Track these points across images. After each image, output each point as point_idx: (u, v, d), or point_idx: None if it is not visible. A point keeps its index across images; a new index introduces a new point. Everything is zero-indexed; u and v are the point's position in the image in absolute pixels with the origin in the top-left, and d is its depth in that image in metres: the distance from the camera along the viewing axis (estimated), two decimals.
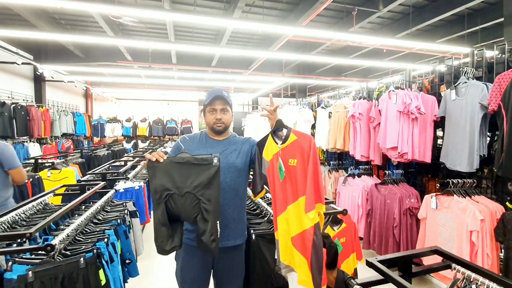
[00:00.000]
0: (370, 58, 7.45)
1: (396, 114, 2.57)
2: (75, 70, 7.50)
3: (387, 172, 2.82)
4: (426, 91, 2.86)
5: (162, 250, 1.31)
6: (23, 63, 5.63)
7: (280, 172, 1.44)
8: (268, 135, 1.55)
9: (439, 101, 2.59)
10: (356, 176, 3.22)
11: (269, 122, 1.56)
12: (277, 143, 1.49)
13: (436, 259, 1.22)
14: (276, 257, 1.51)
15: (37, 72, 6.68)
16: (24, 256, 1.38)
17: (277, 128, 1.54)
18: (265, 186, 1.56)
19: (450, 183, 2.18)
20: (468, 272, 1.07)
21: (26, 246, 1.63)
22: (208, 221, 1.30)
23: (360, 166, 3.36)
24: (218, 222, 1.33)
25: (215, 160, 1.33)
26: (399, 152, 2.55)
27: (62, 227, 1.79)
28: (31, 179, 3.84)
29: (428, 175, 2.91)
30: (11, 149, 2.35)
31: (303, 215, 1.38)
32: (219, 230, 1.33)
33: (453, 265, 1.13)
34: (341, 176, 3.66)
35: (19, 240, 1.53)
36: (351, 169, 3.66)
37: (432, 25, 6.05)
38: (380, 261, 0.99)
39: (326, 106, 4.13)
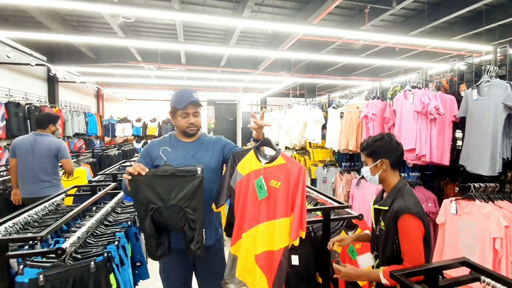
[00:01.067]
0: (381, 57, 7.30)
1: (413, 115, 2.47)
2: (86, 71, 7.61)
3: (402, 174, 2.72)
4: (443, 91, 2.75)
5: (154, 256, 1.38)
6: (37, 65, 5.73)
7: (261, 190, 1.43)
8: (250, 149, 1.53)
9: (458, 101, 2.49)
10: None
11: (253, 133, 1.54)
12: (260, 161, 1.48)
13: (459, 269, 1.15)
14: (226, 271, 1.51)
15: (50, 73, 6.80)
16: (35, 259, 1.37)
17: (262, 145, 1.53)
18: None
19: (472, 187, 2.07)
20: (499, 286, 1.00)
21: (38, 248, 1.63)
22: (195, 230, 1.35)
23: None
24: (203, 230, 1.37)
25: (199, 171, 1.34)
26: (417, 154, 2.45)
27: (73, 228, 1.78)
28: None
29: (446, 178, 2.79)
30: (65, 144, 3.05)
31: (276, 236, 1.40)
32: (204, 237, 1.38)
33: (482, 277, 1.05)
34: (353, 178, 3.57)
35: (30, 242, 1.54)
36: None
37: (448, 22, 5.85)
38: (406, 274, 0.93)
39: (337, 106, 4.04)
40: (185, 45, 5.68)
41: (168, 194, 1.32)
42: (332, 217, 1.77)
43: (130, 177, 1.32)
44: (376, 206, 1.47)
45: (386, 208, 1.38)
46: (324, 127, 4.49)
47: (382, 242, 1.39)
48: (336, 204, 1.84)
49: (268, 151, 1.56)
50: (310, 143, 4.84)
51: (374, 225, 1.50)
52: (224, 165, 1.68)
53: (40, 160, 2.83)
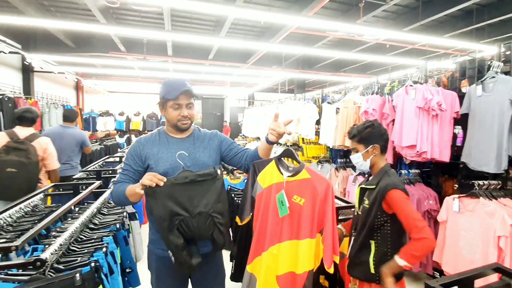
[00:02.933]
0: (372, 53, 7.31)
1: (415, 111, 2.41)
2: (65, 61, 7.14)
3: (402, 171, 2.68)
4: (443, 87, 2.72)
5: (191, 268, 1.24)
6: (10, 52, 5.28)
7: (282, 206, 1.32)
8: (271, 160, 1.42)
9: (459, 97, 2.45)
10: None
11: (268, 134, 1.37)
12: (281, 173, 1.37)
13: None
14: None
15: (25, 62, 6.31)
16: (10, 272, 1.18)
17: (284, 155, 1.43)
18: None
19: (476, 185, 2.04)
20: None
21: (13, 256, 1.44)
22: (223, 233, 1.26)
23: None
24: (230, 229, 1.33)
25: (219, 173, 1.26)
26: (417, 151, 2.40)
27: (53, 233, 1.58)
28: None
29: (444, 175, 2.78)
30: (87, 135, 3.71)
31: (300, 258, 1.29)
32: (231, 234, 1.37)
33: None
34: (350, 175, 3.51)
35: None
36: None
37: (437, 20, 5.91)
38: (443, 285, 0.83)
39: (332, 101, 3.96)
40: (172, 34, 5.40)
41: (191, 202, 1.20)
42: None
43: (142, 192, 1.17)
44: (363, 186, 1.54)
45: (373, 186, 1.46)
46: (317, 122, 4.41)
47: (364, 216, 1.46)
48: (343, 204, 1.74)
49: (286, 161, 1.46)
50: (303, 139, 4.75)
51: (357, 206, 1.58)
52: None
53: (66, 147, 3.41)
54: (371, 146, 1.50)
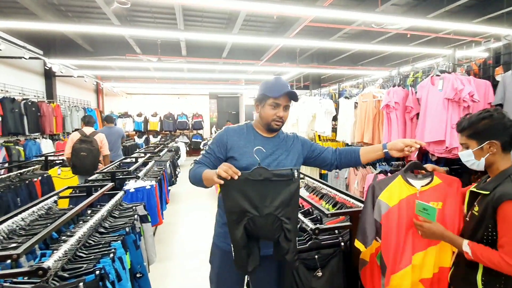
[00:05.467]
0: (391, 44, 6.95)
1: (442, 102, 2.20)
2: (84, 64, 7.35)
3: None
4: (473, 76, 2.48)
5: (245, 270, 1.23)
6: (31, 58, 5.47)
7: (428, 213, 1.28)
8: (394, 176, 1.40)
9: (493, 87, 2.22)
10: (388, 173, 2.88)
11: (393, 150, 1.40)
12: (411, 185, 1.35)
13: None
14: None
15: (46, 67, 6.55)
16: (14, 280, 1.15)
17: (411, 168, 1.40)
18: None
19: None
20: None
21: (23, 261, 1.43)
22: (291, 241, 1.21)
23: (392, 162, 3.01)
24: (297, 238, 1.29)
25: (296, 175, 1.21)
26: (447, 147, 2.20)
27: (63, 237, 1.56)
28: (39, 178, 3.69)
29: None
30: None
31: (449, 253, 1.34)
32: (297, 246, 1.30)
33: None
34: (369, 173, 3.32)
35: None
36: (379, 165, 3.32)
37: (464, 5, 5.50)
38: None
39: (350, 96, 3.77)
40: (185, 33, 5.39)
41: (263, 201, 1.17)
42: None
43: (222, 182, 1.16)
44: (473, 189, 1.27)
45: (487, 192, 1.19)
46: (334, 118, 4.23)
47: (472, 227, 1.23)
48: (361, 205, 1.60)
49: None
50: (319, 136, 4.58)
51: (465, 210, 1.35)
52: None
53: (116, 141, 4.86)
54: (486, 142, 1.20)
